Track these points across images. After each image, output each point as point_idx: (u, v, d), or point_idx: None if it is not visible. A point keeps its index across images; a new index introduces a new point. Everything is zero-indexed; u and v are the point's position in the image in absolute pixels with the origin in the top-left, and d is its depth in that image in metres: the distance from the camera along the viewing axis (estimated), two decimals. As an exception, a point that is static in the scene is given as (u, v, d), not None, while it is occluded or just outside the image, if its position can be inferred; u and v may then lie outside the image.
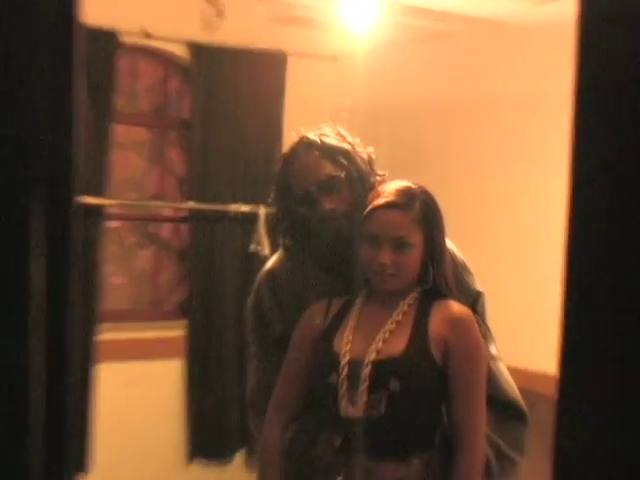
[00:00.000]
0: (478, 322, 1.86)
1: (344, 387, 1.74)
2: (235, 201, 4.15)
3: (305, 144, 1.95)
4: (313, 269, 2.01)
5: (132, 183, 4.26)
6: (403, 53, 4.10)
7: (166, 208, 4.36)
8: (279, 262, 2.09)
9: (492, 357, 1.92)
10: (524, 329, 3.38)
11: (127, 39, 3.85)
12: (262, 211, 4.10)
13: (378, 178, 1.98)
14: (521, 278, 3.55)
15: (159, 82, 4.24)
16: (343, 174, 1.93)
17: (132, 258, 4.32)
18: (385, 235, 1.76)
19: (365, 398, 1.71)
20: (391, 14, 3.50)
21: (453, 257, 1.97)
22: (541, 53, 3.41)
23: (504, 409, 1.88)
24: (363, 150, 2.00)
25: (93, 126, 3.72)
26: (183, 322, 4.15)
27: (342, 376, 1.74)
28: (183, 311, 4.22)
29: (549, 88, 3.03)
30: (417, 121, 4.11)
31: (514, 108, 3.60)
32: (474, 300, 1.96)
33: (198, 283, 4.13)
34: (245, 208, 4.14)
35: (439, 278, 1.82)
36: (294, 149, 1.96)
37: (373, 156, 2.02)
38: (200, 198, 4.11)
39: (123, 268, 4.27)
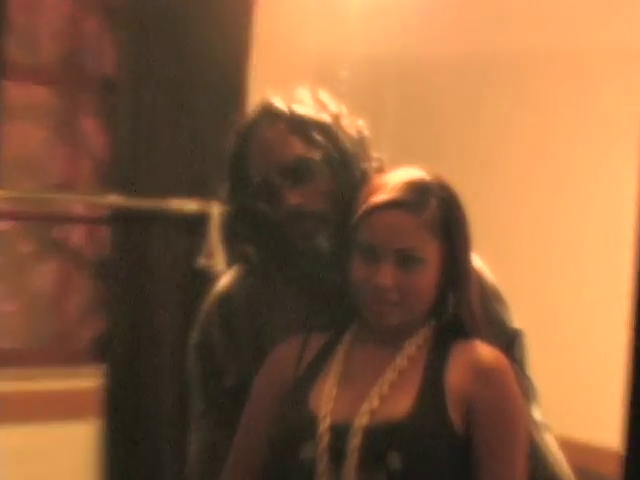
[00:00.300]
0: (516, 373, 1.86)
1: (324, 463, 1.72)
2: (177, 195, 4.11)
3: (268, 113, 1.99)
4: (282, 290, 2.04)
5: (29, 167, 4.22)
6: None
7: (78, 204, 4.30)
8: (235, 281, 2.12)
9: (535, 424, 1.95)
10: (579, 388, 3.47)
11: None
12: (216, 210, 4.02)
13: (374, 164, 2.01)
14: (576, 313, 3.63)
15: (68, 22, 4.16)
16: (318, 156, 1.97)
17: (28, 274, 4.25)
18: (386, 246, 1.77)
19: (354, 479, 1.70)
20: None
21: (480, 280, 1.99)
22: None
23: None
24: (352, 124, 2.03)
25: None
26: (99, 367, 4.07)
27: (321, 447, 1.73)
28: (100, 351, 4.15)
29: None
30: (435, 84, 4.18)
31: (568, 66, 3.70)
32: (509, 342, 1.99)
33: (122, 311, 4.07)
34: (192, 205, 4.10)
35: (462, 308, 1.84)
36: (253, 120, 2.01)
37: (366, 132, 2.05)
38: (127, 190, 4.04)
39: (14, 289, 4.20)
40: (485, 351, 1.82)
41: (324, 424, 1.75)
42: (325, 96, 2.06)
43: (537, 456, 1.90)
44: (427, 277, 1.80)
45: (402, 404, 1.75)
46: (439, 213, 1.80)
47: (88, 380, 4.08)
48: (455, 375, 1.79)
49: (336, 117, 2.02)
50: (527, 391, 1.96)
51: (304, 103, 2.02)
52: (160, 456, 4.08)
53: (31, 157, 4.24)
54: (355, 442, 1.72)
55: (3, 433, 3.78)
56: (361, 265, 1.80)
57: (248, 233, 2.04)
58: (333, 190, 1.96)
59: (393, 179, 1.83)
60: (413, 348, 1.83)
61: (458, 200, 1.85)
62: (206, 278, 3.91)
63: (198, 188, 4.14)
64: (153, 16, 4.05)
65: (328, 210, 1.94)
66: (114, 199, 4.06)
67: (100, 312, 4.24)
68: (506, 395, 1.79)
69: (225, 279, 2.14)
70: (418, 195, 1.80)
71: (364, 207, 1.82)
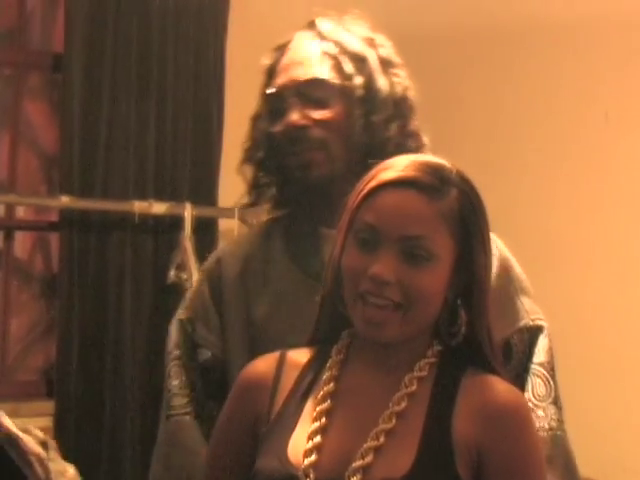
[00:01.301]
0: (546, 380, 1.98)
1: None
2: (143, 196, 4.02)
3: (309, 30, 2.07)
4: (281, 258, 2.08)
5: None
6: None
7: (22, 207, 4.23)
8: (232, 247, 2.20)
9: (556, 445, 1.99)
10: (611, 424, 3.50)
11: None
12: (189, 213, 4.05)
13: (410, 139, 2.04)
14: (611, 326, 3.67)
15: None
16: (339, 84, 1.99)
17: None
18: (390, 231, 1.69)
19: None
20: None
21: (508, 270, 2.05)
22: None
23: None
24: (401, 80, 2.05)
25: None
26: (48, 404, 4.04)
27: None
28: (49, 385, 4.12)
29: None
30: (451, 62, 4.19)
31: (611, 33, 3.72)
32: (531, 340, 2.02)
33: (75, 336, 4.00)
34: (160, 208, 4.03)
35: (476, 331, 1.75)
36: (295, 35, 2.09)
37: (414, 100, 2.06)
38: (81, 191, 3.96)
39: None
40: (501, 389, 1.73)
41: None
42: (383, 40, 2.08)
43: None
44: (436, 278, 1.69)
45: (401, 460, 1.66)
46: (458, 206, 1.71)
47: (34, 421, 3.57)
48: (464, 419, 1.70)
49: (384, 61, 2.03)
50: (555, 399, 2.00)
51: (353, 32, 2.05)
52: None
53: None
54: None
55: None
56: (356, 253, 1.69)
57: (257, 155, 2.08)
58: (344, 126, 1.98)
59: (406, 159, 1.76)
60: (414, 384, 1.72)
61: (480, 198, 1.76)
62: (178, 292, 3.85)
63: (167, 187, 4.09)
64: None
65: (332, 145, 1.97)
66: (66, 201, 3.93)
67: (49, 337, 4.19)
68: (525, 443, 1.71)
69: (221, 246, 2.32)
70: (437, 179, 1.71)
71: (370, 183, 1.72)
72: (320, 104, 2.00)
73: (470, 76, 4.21)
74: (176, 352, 2.14)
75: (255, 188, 2.12)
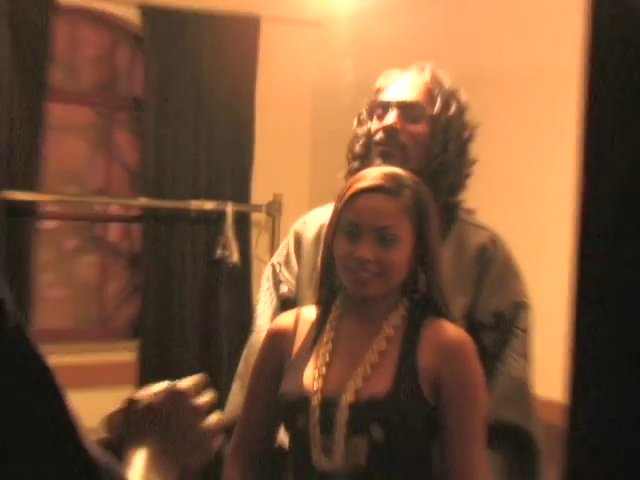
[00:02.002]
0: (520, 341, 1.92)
1: (316, 433, 1.71)
2: (198, 197, 4.11)
3: (416, 69, 2.07)
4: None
5: (72, 175, 4.22)
6: (395, 18, 4.04)
7: (114, 205, 4.32)
8: (312, 217, 2.17)
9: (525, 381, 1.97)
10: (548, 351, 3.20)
11: (66, 0, 3.80)
12: (230, 209, 4.09)
13: (464, 170, 2.04)
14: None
15: (105, 52, 4.21)
16: (430, 111, 2.01)
17: (73, 266, 4.27)
18: (367, 224, 1.73)
19: (342, 447, 1.68)
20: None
21: (507, 260, 2.02)
22: (556, 18, 3.38)
23: (511, 436, 1.91)
24: (469, 124, 2.05)
25: (24, 105, 3.69)
26: (134, 342, 4.12)
27: (313, 420, 1.71)
28: (135, 329, 4.19)
29: (569, 60, 2.92)
30: None
31: (521, 82, 3.57)
32: (518, 311, 1.98)
33: (153, 296, 4.09)
34: (209, 205, 4.11)
35: (432, 286, 1.78)
36: (402, 70, 2.08)
37: (472, 141, 2.05)
38: (155, 194, 4.06)
39: (62, 278, 4.23)
40: (452, 330, 1.77)
41: (315, 400, 1.72)
42: (461, 90, 2.09)
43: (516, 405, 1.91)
44: (402, 253, 1.74)
45: (382, 383, 1.71)
46: (412, 200, 1.76)
47: (125, 354, 4.11)
48: (426, 353, 1.74)
49: (460, 106, 2.06)
50: (527, 355, 1.98)
51: (445, 77, 2.07)
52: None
53: (73, 167, 4.24)
54: (342, 416, 1.69)
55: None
56: (343, 242, 1.75)
57: (356, 147, 2.08)
58: (421, 145, 1.99)
59: (374, 171, 1.80)
60: (390, 329, 1.77)
61: (429, 193, 1.82)
62: (223, 267, 4.09)
63: (214, 191, 4.16)
64: (177, 44, 4.06)
65: (412, 154, 1.97)
66: (144, 201, 4.08)
67: (134, 297, 4.24)
68: (469, 369, 1.74)
69: (306, 216, 2.20)
70: (395, 184, 1.76)
71: (349, 191, 1.77)
72: (412, 120, 1.99)
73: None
74: (266, 284, 2.15)
75: (356, 161, 2.06)
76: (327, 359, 1.76)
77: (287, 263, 2.14)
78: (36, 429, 0.87)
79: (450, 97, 2.03)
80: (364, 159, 2.03)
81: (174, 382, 1.18)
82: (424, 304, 1.79)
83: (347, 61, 3.92)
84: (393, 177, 1.76)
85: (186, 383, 1.18)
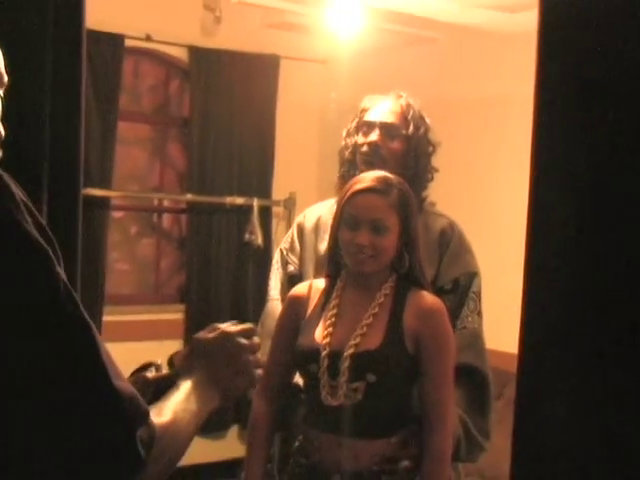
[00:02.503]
0: (471, 301, 1.92)
1: (325, 377, 1.70)
2: (231, 194, 4.14)
3: (394, 96, 2.05)
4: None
5: (135, 176, 4.26)
6: (388, 57, 4.09)
7: (166, 200, 4.33)
8: (312, 209, 2.14)
9: (480, 329, 1.96)
10: (500, 313, 3.17)
11: (132, 43, 3.90)
12: (256, 203, 4.12)
13: (429, 176, 2.02)
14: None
15: (161, 83, 4.24)
16: (405, 131, 1.99)
17: (135, 246, 4.31)
18: (364, 217, 1.72)
19: (344, 388, 1.68)
20: (377, 20, 3.52)
21: (461, 238, 2.03)
22: (517, 58, 3.19)
23: (470, 375, 1.90)
24: (433, 141, 2.05)
25: (100, 124, 3.75)
26: (182, 306, 4.15)
27: (322, 367, 1.70)
28: (182, 296, 4.21)
29: (525, 91, 2.88)
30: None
31: (492, 109, 3.58)
32: (471, 279, 1.98)
33: (196, 270, 4.12)
34: (240, 200, 4.14)
35: (413, 264, 1.79)
36: (384, 96, 2.07)
37: (435, 152, 2.04)
38: (198, 191, 4.10)
39: (127, 255, 4.27)
40: (429, 299, 1.77)
41: (324, 352, 1.71)
42: (426, 116, 2.08)
43: (473, 351, 1.91)
44: (391, 240, 1.73)
45: (375, 339, 1.71)
46: (398, 198, 1.74)
47: (175, 314, 4.14)
48: (409, 316, 1.74)
49: (426, 128, 2.06)
50: (479, 312, 1.98)
51: (416, 106, 2.05)
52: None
53: (136, 171, 4.28)
54: (345, 365, 1.68)
55: (126, 346, 3.47)
56: (347, 231, 1.74)
57: (345, 159, 2.06)
58: (401, 160, 1.98)
59: (368, 176, 1.79)
60: (382, 297, 1.76)
61: (411, 192, 1.80)
62: (250, 248, 4.10)
63: (244, 190, 4.17)
64: (215, 76, 4.07)
65: (389, 161, 1.95)
66: (190, 197, 4.11)
67: (182, 271, 4.24)
68: (442, 328, 1.75)
69: (308, 208, 2.18)
70: (385, 185, 1.75)
71: (349, 192, 1.75)
72: (391, 138, 1.98)
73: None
74: (276, 265, 2.13)
75: (345, 166, 2.03)
76: (333, 320, 1.76)
77: (292, 248, 2.12)
78: (51, 335, 0.80)
79: (419, 120, 2.04)
80: (351, 164, 2.03)
81: (226, 324, 1.16)
82: (408, 278, 1.79)
83: (348, 90, 3.61)
84: (384, 180, 1.76)
85: (234, 327, 1.15)
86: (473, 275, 2.01)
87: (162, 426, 0.93)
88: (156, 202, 4.33)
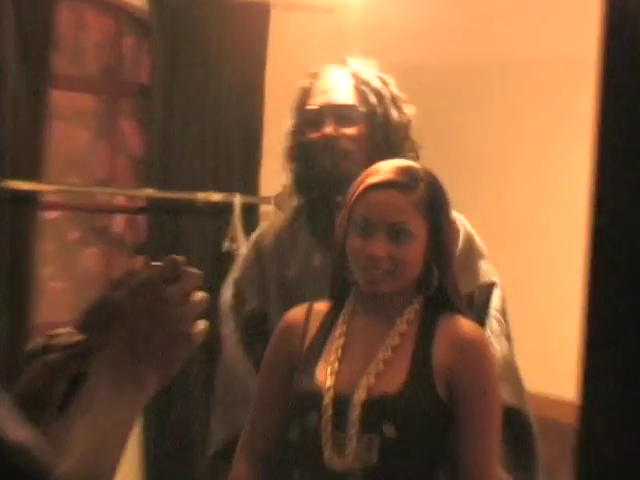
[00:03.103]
0: (498, 322, 1.96)
1: (328, 431, 1.72)
2: (205, 188, 4.09)
3: (340, 66, 2.11)
4: (306, 240, 2.09)
5: (75, 164, 4.22)
6: (408, 5, 4.06)
7: (118, 196, 4.30)
8: (268, 228, 2.21)
9: (508, 359, 2.00)
10: (537, 341, 3.29)
11: (69, -16, 3.80)
12: (238, 200, 4.08)
13: (411, 151, 2.08)
14: (542, 282, 3.52)
15: (110, 38, 4.18)
16: (363, 109, 2.03)
17: (75, 258, 4.26)
18: (380, 220, 1.74)
19: (354, 445, 1.69)
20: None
21: (471, 241, 2.06)
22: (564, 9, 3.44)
23: (508, 419, 1.90)
24: (406, 108, 2.10)
25: (25, 92, 3.68)
26: None
27: (326, 417, 1.72)
28: None
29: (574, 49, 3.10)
30: (431, 91, 3.91)
31: (545, 73, 3.58)
32: (488, 292, 2.03)
33: None
34: (217, 197, 4.09)
35: (446, 282, 1.79)
36: (326, 68, 2.13)
37: (413, 121, 2.11)
38: (161, 184, 4.04)
39: (64, 270, 4.22)
40: (466, 327, 1.78)
41: (328, 397, 1.73)
42: (390, 79, 2.12)
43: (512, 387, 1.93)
44: (415, 250, 1.75)
45: (395, 380, 1.72)
46: (426, 195, 1.76)
47: None
48: (440, 349, 1.75)
49: (393, 96, 2.08)
50: (507, 335, 2.00)
51: (371, 72, 2.09)
52: (191, 425, 3.99)
53: (76, 156, 4.22)
54: (355, 414, 1.70)
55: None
56: (357, 238, 1.75)
57: (293, 158, 2.12)
58: (366, 143, 2.02)
59: (387, 165, 1.80)
60: (404, 324, 1.78)
61: (442, 187, 1.81)
62: (231, 259, 3.89)
63: (223, 183, 4.13)
64: (184, 30, 4.04)
65: (355, 155, 1.99)
66: (150, 192, 4.05)
67: None
68: (484, 365, 1.76)
69: (262, 226, 2.23)
70: (408, 178, 1.76)
71: (361, 186, 1.77)
72: (349, 123, 2.03)
73: (462, 105, 3.88)
74: (228, 303, 2.16)
75: (298, 182, 2.13)
76: (339, 354, 1.77)
77: (250, 278, 2.16)
78: None
79: (381, 89, 2.09)
80: (305, 161, 2.09)
81: (138, 269, 1.09)
82: (438, 300, 1.80)
83: (363, 48, 3.68)
84: (406, 171, 1.77)
85: (151, 269, 1.07)
86: (491, 287, 2.04)
87: (72, 473, 0.91)
88: (104, 199, 4.28)
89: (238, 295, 2.16)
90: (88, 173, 4.27)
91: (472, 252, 2.06)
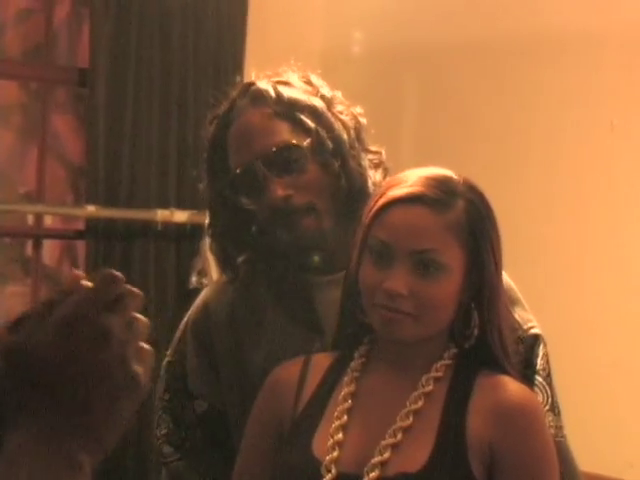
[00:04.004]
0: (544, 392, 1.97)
1: None
2: (165, 205, 4.01)
3: (251, 95, 2.00)
4: (269, 307, 2.06)
5: (-8, 173, 3.96)
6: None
7: (50, 216, 4.20)
8: (217, 294, 2.14)
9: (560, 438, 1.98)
10: (606, 420, 3.42)
11: None
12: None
13: (371, 157, 2.04)
14: (602, 335, 3.58)
15: (37, 8, 4.14)
16: (307, 143, 1.96)
17: (-6, 297, 3.98)
18: (402, 246, 1.71)
19: None
20: None
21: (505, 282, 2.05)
22: None
23: None
24: (346, 110, 2.04)
25: None
26: None
27: None
28: None
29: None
30: (443, 75, 4.15)
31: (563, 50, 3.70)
32: (531, 349, 2.01)
33: None
34: (181, 217, 4.02)
35: (488, 333, 1.76)
36: (234, 102, 2.01)
37: (363, 120, 2.05)
38: (107, 200, 3.94)
39: (-23, 314, 4.00)
40: (514, 389, 1.76)
41: (329, 475, 1.70)
42: (316, 79, 2.05)
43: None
44: (448, 287, 1.73)
45: (418, 455, 1.70)
46: (466, 216, 1.73)
47: None
48: (477, 417, 1.73)
49: (329, 101, 2.01)
50: (552, 406, 1.98)
51: (292, 85, 2.02)
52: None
53: (-6, 163, 3.95)
54: None
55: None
56: (371, 268, 1.73)
57: (229, 233, 2.04)
58: (324, 182, 1.95)
59: (415, 174, 1.77)
60: (431, 384, 1.76)
61: (488, 205, 1.77)
62: None
63: (189, 197, 4.07)
64: (133, 3, 3.98)
65: (319, 204, 1.94)
66: (92, 211, 3.95)
67: None
68: (536, 441, 1.74)
69: (204, 293, 2.17)
70: (443, 192, 1.73)
71: (381, 200, 1.75)
72: (295, 169, 1.96)
73: (478, 86, 4.13)
74: (166, 396, 2.13)
75: (231, 263, 2.06)
76: (345, 421, 1.75)
77: (197, 369, 2.12)
78: None
79: (315, 106, 2.02)
80: (252, 237, 2.03)
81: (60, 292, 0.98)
82: (477, 353, 1.78)
83: (359, 30, 4.08)
84: (440, 182, 1.75)
85: (80, 294, 0.96)
86: (533, 342, 2.02)
87: None
88: (30, 220, 4.17)
89: (177, 385, 2.12)
90: (10, 185, 4.27)
91: (512, 296, 2.03)
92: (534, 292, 2.18)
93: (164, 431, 2.10)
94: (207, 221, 2.11)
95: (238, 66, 4.15)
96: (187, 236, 4.05)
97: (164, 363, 2.11)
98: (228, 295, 2.10)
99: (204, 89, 4.07)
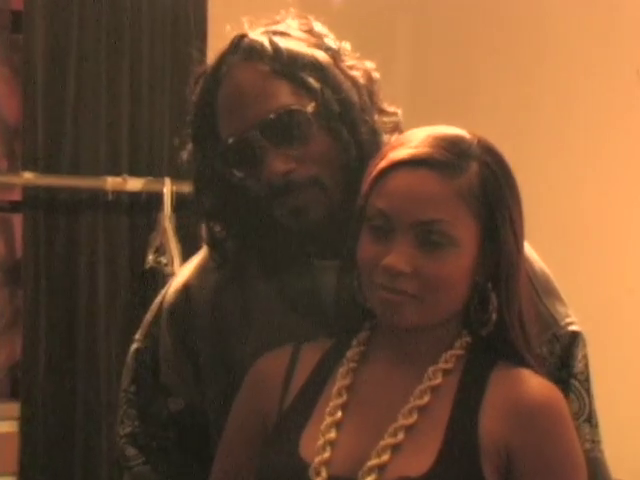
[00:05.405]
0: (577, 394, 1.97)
1: None
2: (117, 172, 4.02)
3: (244, 50, 1.95)
4: (261, 290, 2.05)
5: None
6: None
7: None
8: (199, 276, 2.12)
9: (595, 450, 1.98)
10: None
11: None
12: (168, 189, 4.06)
13: (386, 120, 2.01)
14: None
15: None
16: (311, 107, 1.93)
17: None
18: (405, 217, 1.70)
19: None
20: None
21: (546, 274, 2.06)
22: None
23: None
24: (357, 65, 2.01)
25: None
26: (13, 406, 4.03)
27: None
28: (13, 384, 4.17)
29: None
30: (475, 21, 4.17)
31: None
32: (569, 348, 2.00)
33: (42, 329, 4.00)
34: (136, 184, 4.05)
35: (508, 318, 1.76)
36: (224, 59, 1.96)
37: (376, 77, 2.02)
38: (48, 166, 3.97)
39: None
40: (534, 384, 1.75)
41: (318, 478, 1.68)
42: (320, 27, 2.02)
43: None
44: (457, 265, 1.71)
45: (421, 458, 1.68)
46: (479, 181, 1.71)
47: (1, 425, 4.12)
48: (492, 416, 1.72)
49: (336, 55, 1.98)
50: (589, 416, 1.98)
51: (292, 36, 1.98)
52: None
53: None
54: None
55: None
56: (369, 242, 1.73)
57: (218, 211, 2.03)
58: (332, 152, 1.93)
59: (421, 133, 1.76)
60: (439, 377, 1.75)
61: (508, 169, 1.76)
62: (159, 279, 4.01)
63: (144, 162, 4.12)
64: None
65: (326, 177, 1.92)
66: (29, 178, 3.97)
67: (13, 332, 4.20)
68: (559, 443, 1.72)
69: (184, 271, 2.15)
70: (453, 154, 1.72)
71: (381, 164, 1.74)
72: (297, 138, 1.95)
73: (495, 33, 4.18)
74: (132, 388, 2.15)
75: (220, 246, 2.06)
76: (338, 417, 1.74)
77: (174, 364, 2.13)
78: None
79: (320, 62, 1.99)
80: (249, 218, 2.03)
81: None
82: (493, 342, 1.78)
83: None
84: (450, 142, 1.75)
85: None
86: (571, 341, 2.02)
87: None
88: None
89: (146, 379, 2.13)
90: None
91: (529, 288, 1.97)
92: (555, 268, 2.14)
93: (128, 429, 2.11)
94: (194, 197, 2.05)
95: (200, 11, 4.19)
96: (142, 207, 4.07)
97: (132, 349, 2.12)
98: (213, 278, 2.09)
99: (160, 33, 4.10)
